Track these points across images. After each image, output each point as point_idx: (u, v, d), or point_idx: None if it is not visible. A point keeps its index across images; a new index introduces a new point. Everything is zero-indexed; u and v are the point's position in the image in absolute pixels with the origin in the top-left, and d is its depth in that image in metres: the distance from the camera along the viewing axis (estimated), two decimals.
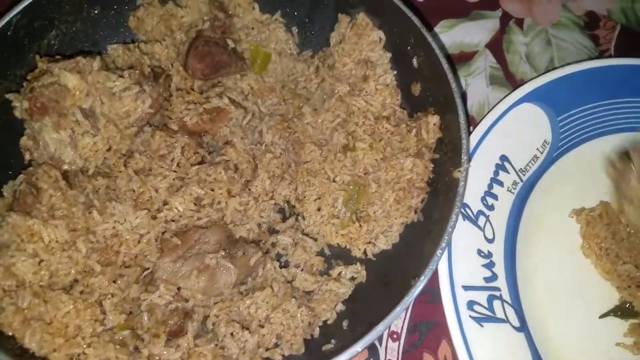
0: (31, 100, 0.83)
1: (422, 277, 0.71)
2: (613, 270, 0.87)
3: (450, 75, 0.82)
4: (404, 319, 0.89)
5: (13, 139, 0.85)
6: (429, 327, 0.88)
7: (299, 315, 0.79)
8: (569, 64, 1.03)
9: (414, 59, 0.91)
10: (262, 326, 0.79)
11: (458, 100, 0.81)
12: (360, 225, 0.89)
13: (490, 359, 0.79)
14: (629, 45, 1.15)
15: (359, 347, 0.69)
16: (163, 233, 0.82)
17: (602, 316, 0.86)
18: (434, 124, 0.88)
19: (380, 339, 0.88)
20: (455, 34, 1.12)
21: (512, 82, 1.08)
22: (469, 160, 0.79)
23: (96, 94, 0.86)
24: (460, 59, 1.11)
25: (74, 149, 0.86)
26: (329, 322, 0.83)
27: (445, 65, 0.84)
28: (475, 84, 1.08)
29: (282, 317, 0.79)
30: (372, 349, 0.87)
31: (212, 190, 0.86)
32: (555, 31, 1.15)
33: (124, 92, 0.87)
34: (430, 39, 0.86)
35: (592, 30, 1.17)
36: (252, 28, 1.01)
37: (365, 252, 0.89)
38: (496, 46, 1.12)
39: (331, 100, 0.96)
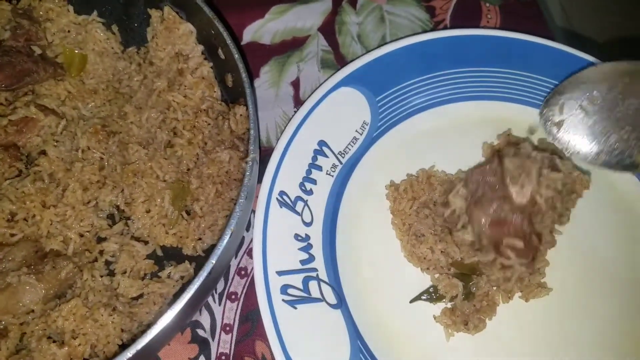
0: None
1: (203, 271, 0.73)
2: (412, 251, 0.91)
3: (240, 65, 0.84)
4: (235, 310, 0.91)
5: None
6: (258, 315, 0.89)
7: (109, 323, 0.80)
8: (394, 40, 1.05)
9: (220, 50, 0.92)
10: (74, 337, 0.79)
11: (248, 91, 0.82)
12: (188, 223, 0.90)
13: (304, 339, 0.81)
14: (466, 13, 1.17)
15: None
16: None
17: (412, 301, 0.89)
18: (241, 115, 0.89)
19: (213, 333, 0.89)
20: (288, 20, 1.13)
21: (343, 64, 1.09)
22: (255, 150, 0.81)
23: None
24: (293, 45, 1.11)
25: None
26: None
27: (236, 55, 0.85)
28: (308, 69, 1.09)
29: (92, 327, 0.79)
30: (202, 344, 0.88)
31: (25, 203, 0.85)
32: (390, 7, 1.17)
33: None
34: (221, 29, 0.87)
35: (428, 2, 1.18)
36: (69, 31, 1.00)
37: (195, 249, 0.90)
38: (328, 28, 1.13)
39: (152, 97, 0.97)
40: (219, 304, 0.90)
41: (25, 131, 0.89)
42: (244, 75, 0.83)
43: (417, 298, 0.90)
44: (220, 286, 0.92)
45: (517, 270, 0.83)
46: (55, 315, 0.78)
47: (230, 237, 0.75)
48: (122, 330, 0.80)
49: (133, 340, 0.70)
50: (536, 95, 1.04)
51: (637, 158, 0.85)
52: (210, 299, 0.91)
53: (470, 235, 0.85)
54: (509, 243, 0.81)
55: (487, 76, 1.04)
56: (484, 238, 0.83)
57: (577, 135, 0.88)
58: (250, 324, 0.90)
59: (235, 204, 0.77)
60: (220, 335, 0.89)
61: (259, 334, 0.89)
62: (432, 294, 0.89)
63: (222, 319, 0.90)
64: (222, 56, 0.92)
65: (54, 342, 0.77)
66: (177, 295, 0.77)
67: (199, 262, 0.89)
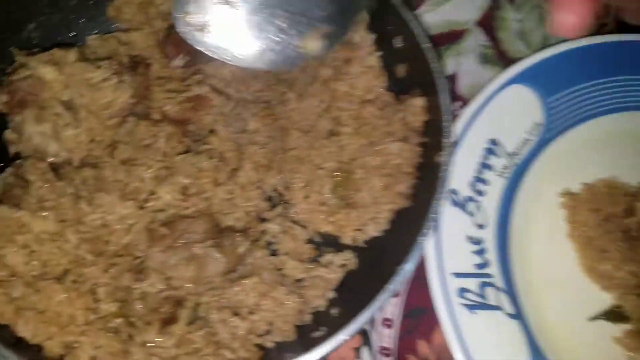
0: (9, 94, 0.83)
1: (404, 265, 0.69)
2: (592, 267, 0.84)
3: (429, 55, 0.79)
4: (399, 305, 0.87)
5: None
6: (421, 314, 0.86)
7: (288, 302, 0.78)
8: (564, 40, 0.99)
9: (396, 39, 0.88)
10: (252, 313, 0.78)
11: (439, 82, 0.78)
12: (348, 212, 0.87)
13: (484, 346, 0.77)
14: None
15: (344, 335, 0.68)
16: (151, 223, 0.81)
17: (592, 319, 0.83)
18: (419, 107, 0.85)
19: (372, 325, 0.86)
20: (444, 12, 1.08)
21: (505, 60, 1.04)
22: (455, 144, 0.76)
23: (75, 85, 0.84)
24: (450, 38, 1.07)
25: (57, 141, 0.85)
26: (319, 309, 0.82)
27: (426, 45, 0.81)
28: (467, 64, 1.04)
29: (271, 304, 0.78)
30: (364, 335, 0.85)
31: (198, 179, 0.84)
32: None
33: (103, 83, 0.85)
34: (409, 18, 0.83)
35: None
36: None
37: (354, 239, 0.87)
38: (487, 23, 1.08)
39: (315, 85, 0.94)
40: None
41: (199, 109, 0.87)
42: (434, 65, 0.79)
43: (599, 317, 0.83)
44: None
45: None
46: (236, 290, 0.77)
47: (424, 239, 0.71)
48: (300, 311, 0.78)
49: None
50: None
51: (304, 44, 0.77)
52: None
53: None
54: None
55: None
56: None
57: (229, 35, 0.78)
58: (412, 321, 0.86)
59: (432, 203, 0.72)
60: (380, 329, 0.86)
61: (421, 332, 0.86)
62: (615, 314, 0.82)
63: (383, 313, 0.87)
64: (399, 45, 0.88)
65: (236, 314, 0.77)
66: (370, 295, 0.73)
67: (358, 252, 0.86)
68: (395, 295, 0.87)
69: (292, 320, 0.77)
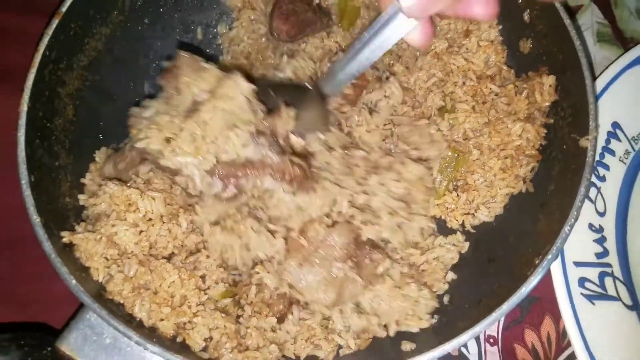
0: None
1: (549, 256, 0.66)
2: None
3: (572, 32, 0.75)
4: None
5: (103, 101, 0.83)
6: (530, 303, 0.84)
7: (421, 299, 0.76)
8: None
9: (525, 13, 0.83)
10: (377, 315, 0.76)
11: (583, 60, 0.73)
12: (458, 195, 0.84)
13: (602, 337, 0.75)
14: None
15: (481, 327, 0.66)
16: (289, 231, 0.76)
17: None
18: (550, 85, 0.80)
19: None
20: None
21: (622, 40, 0.99)
22: (597, 127, 0.72)
23: None
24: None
25: None
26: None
27: (567, 21, 0.76)
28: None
29: (404, 304, 0.75)
30: None
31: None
32: None
33: None
34: None
35: None
36: None
37: (463, 224, 0.84)
38: (603, 0, 1.03)
39: (426, 58, 0.90)
40: None
41: (361, 86, 0.85)
42: (577, 42, 0.74)
43: None
44: None
45: None
46: (370, 296, 0.75)
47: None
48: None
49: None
50: None
51: None
52: None
53: None
54: None
55: None
56: None
57: None
58: (519, 310, 0.84)
59: (579, 189, 0.69)
60: None
61: (528, 322, 0.83)
62: None
63: None
64: (527, 20, 0.83)
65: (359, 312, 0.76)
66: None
67: (467, 237, 0.83)
68: None
69: (420, 314, 0.75)
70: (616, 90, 0.87)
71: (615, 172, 0.85)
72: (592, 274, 0.78)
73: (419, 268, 0.81)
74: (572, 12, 1.02)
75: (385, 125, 0.86)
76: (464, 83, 0.87)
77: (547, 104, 0.81)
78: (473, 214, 0.84)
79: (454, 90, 0.87)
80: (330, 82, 0.70)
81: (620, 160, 0.86)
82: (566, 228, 0.67)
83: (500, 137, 0.83)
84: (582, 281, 0.77)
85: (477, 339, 0.83)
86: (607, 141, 0.86)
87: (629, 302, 0.78)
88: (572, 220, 0.67)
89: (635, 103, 0.88)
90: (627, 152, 0.86)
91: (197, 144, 0.67)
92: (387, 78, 0.87)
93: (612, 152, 0.85)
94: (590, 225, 0.81)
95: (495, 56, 0.88)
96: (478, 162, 0.83)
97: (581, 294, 0.76)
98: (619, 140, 0.86)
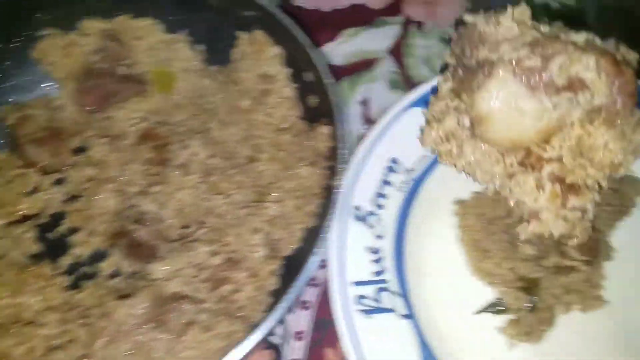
0: None
1: (293, 287, 0.79)
2: (478, 266, 0.95)
3: (331, 90, 0.90)
4: (309, 318, 0.97)
5: None
6: (327, 324, 0.95)
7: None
8: None
9: (306, 74, 0.99)
10: None
11: (336, 112, 0.89)
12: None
13: (377, 347, 0.87)
14: None
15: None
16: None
17: (477, 312, 0.94)
18: (325, 134, 0.95)
19: (286, 339, 0.95)
20: (358, 42, 1.19)
21: (411, 85, 1.15)
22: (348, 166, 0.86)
23: None
24: (363, 66, 1.18)
25: None
26: None
27: (328, 81, 0.91)
28: (378, 89, 1.15)
29: (219, 343, 0.83)
30: (276, 350, 0.94)
31: None
32: None
33: None
34: (316, 56, 0.94)
35: None
36: (157, 49, 1.08)
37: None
38: (397, 51, 1.19)
39: (235, 115, 1.04)
40: (292, 312, 0.97)
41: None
42: (333, 98, 0.90)
43: (483, 310, 0.94)
44: None
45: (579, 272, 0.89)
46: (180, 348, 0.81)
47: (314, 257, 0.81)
48: None
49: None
50: None
51: None
52: None
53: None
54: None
55: None
56: None
57: None
58: (320, 332, 0.96)
59: (325, 219, 0.83)
60: (291, 342, 0.95)
61: (328, 341, 0.95)
62: (497, 307, 0.94)
63: (295, 326, 0.97)
64: (310, 79, 0.98)
65: None
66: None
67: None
68: (306, 308, 0.97)
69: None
70: (395, 129, 1.02)
71: (394, 199, 0.99)
72: (370, 291, 0.91)
73: (236, 304, 0.89)
74: (371, 63, 1.18)
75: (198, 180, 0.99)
76: (265, 135, 1.02)
77: (325, 149, 0.96)
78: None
79: (258, 142, 1.02)
80: None
81: (397, 189, 1.00)
82: (310, 259, 0.80)
83: (295, 180, 0.97)
84: (359, 298, 0.90)
85: None
86: (386, 174, 1.00)
87: (403, 312, 0.91)
88: (316, 249, 0.81)
89: (412, 139, 1.02)
90: (404, 182, 1.01)
91: None
92: (191, 138, 1.01)
93: (390, 184, 1.00)
94: (369, 248, 0.94)
95: (291, 111, 1.03)
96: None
97: (358, 309, 0.89)
98: (397, 172, 1.01)
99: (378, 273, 0.93)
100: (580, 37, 0.75)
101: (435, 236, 0.99)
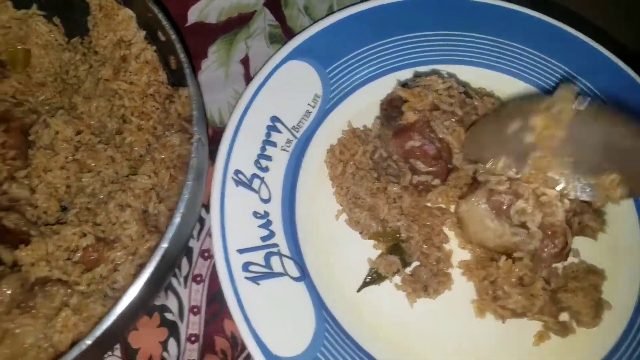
0: None
1: (153, 257, 0.73)
2: (351, 217, 0.91)
3: (178, 46, 0.83)
4: (202, 291, 0.92)
5: None
6: None
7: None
8: (341, 9, 1.04)
9: (159, 33, 0.91)
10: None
11: (186, 72, 0.82)
12: None
13: (268, 314, 0.82)
14: None
15: None
16: None
17: (359, 289, 0.90)
18: (186, 97, 0.88)
19: (181, 315, 0.90)
20: None
21: (291, 37, 1.08)
22: (208, 131, 0.80)
23: None
24: (240, 22, 1.10)
25: None
26: None
27: (173, 36, 0.85)
28: (256, 46, 1.08)
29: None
30: (172, 327, 0.89)
31: None
32: None
33: None
34: (155, 10, 0.88)
35: None
36: (10, 27, 0.98)
37: None
38: (274, 2, 1.12)
39: (100, 86, 0.96)
40: (185, 287, 0.91)
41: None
42: (182, 55, 0.83)
43: (364, 285, 0.90)
44: (185, 269, 0.92)
45: (430, 183, 0.88)
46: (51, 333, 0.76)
47: (180, 219, 0.75)
48: None
49: None
50: (491, 57, 1.05)
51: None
52: (175, 282, 0.91)
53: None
54: (414, 146, 0.85)
55: (439, 40, 1.04)
56: (395, 155, 0.88)
57: None
58: (218, 304, 0.91)
59: (183, 187, 0.77)
60: (188, 317, 0.90)
61: (227, 313, 0.89)
62: (374, 277, 0.90)
63: (190, 301, 0.91)
64: (163, 38, 0.91)
65: None
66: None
67: None
68: (199, 282, 0.92)
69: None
70: (272, 85, 0.96)
71: (279, 160, 0.93)
72: (258, 257, 0.86)
73: (115, 284, 0.82)
74: (248, 18, 1.10)
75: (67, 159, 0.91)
76: (130, 104, 0.93)
77: (188, 114, 0.89)
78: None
79: (124, 113, 0.94)
80: None
81: (282, 149, 0.94)
82: (169, 228, 0.74)
83: (167, 149, 0.89)
84: (246, 266, 0.85)
85: (178, 339, 0.89)
86: (268, 134, 0.94)
87: (296, 274, 0.87)
88: (178, 219, 0.75)
89: (290, 95, 0.97)
90: (288, 141, 0.95)
91: None
92: (53, 116, 0.92)
93: (274, 144, 0.94)
94: (255, 213, 0.89)
95: (154, 75, 0.95)
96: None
97: (245, 277, 0.84)
98: (280, 131, 0.95)
99: (266, 238, 0.88)
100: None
101: (326, 195, 0.94)
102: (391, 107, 0.87)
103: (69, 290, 0.79)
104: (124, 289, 0.78)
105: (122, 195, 0.85)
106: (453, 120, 0.84)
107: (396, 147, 0.85)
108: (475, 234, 0.87)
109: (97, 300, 0.78)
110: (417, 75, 0.99)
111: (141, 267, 0.82)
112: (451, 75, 0.98)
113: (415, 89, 0.86)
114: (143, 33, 0.94)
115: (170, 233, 0.74)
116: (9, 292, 0.77)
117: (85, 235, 0.82)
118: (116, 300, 0.72)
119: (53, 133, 0.90)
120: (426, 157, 0.84)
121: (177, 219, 0.75)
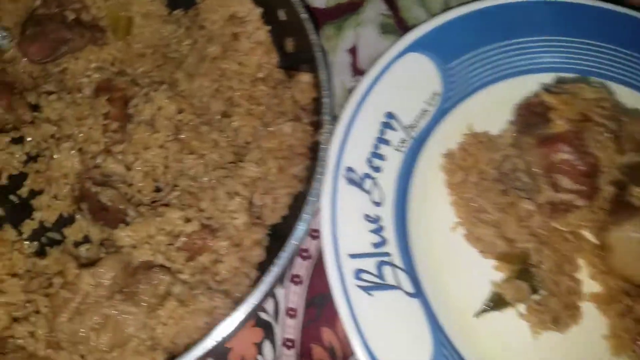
0: None
1: (280, 258, 0.66)
2: (472, 232, 0.83)
3: (309, 27, 0.75)
4: (302, 293, 0.84)
5: None
6: (325, 300, 0.83)
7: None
8: (463, 4, 0.96)
9: (280, 12, 0.84)
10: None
11: (317, 55, 0.74)
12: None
13: (381, 328, 0.74)
14: None
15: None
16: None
17: (477, 315, 0.81)
18: (307, 83, 0.81)
19: (277, 316, 0.83)
20: None
21: (405, 29, 1.00)
22: (333, 121, 0.72)
23: None
24: (349, 8, 1.02)
25: None
26: None
27: (303, 16, 0.77)
28: (366, 35, 1.00)
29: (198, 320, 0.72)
30: (267, 328, 0.82)
31: None
32: None
33: None
34: None
35: None
36: None
37: None
38: None
39: (204, 64, 0.88)
40: (282, 287, 0.84)
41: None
42: (313, 37, 0.75)
43: (484, 310, 0.81)
44: None
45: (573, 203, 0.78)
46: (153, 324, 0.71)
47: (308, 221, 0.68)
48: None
49: None
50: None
51: None
52: None
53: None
54: (562, 159, 0.76)
55: (566, 47, 0.95)
56: (535, 166, 0.78)
57: None
58: (314, 310, 0.83)
59: (312, 180, 0.69)
60: (284, 319, 0.83)
61: (324, 320, 0.83)
62: (497, 302, 0.81)
63: (287, 302, 0.83)
64: (284, 17, 0.83)
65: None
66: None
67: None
68: (297, 283, 0.84)
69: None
70: (389, 79, 0.88)
71: (392, 161, 0.85)
72: (369, 264, 0.78)
73: (217, 276, 0.76)
74: (357, 5, 1.03)
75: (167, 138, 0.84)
76: (239, 87, 0.87)
77: (307, 101, 0.82)
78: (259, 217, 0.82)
79: (231, 95, 0.87)
80: None
81: (396, 149, 0.86)
82: (299, 225, 0.67)
83: (276, 138, 0.82)
84: (358, 273, 0.77)
85: (274, 343, 0.81)
86: (382, 132, 0.86)
87: (410, 289, 0.79)
88: (305, 216, 0.67)
89: (407, 91, 0.89)
90: (403, 141, 0.87)
91: None
92: (156, 90, 0.85)
93: (387, 142, 0.86)
94: (367, 216, 0.81)
95: (266, 58, 0.88)
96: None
97: (357, 286, 0.76)
98: (394, 129, 0.87)
99: (378, 245, 0.80)
100: None
101: (442, 203, 0.86)
102: (530, 113, 0.79)
103: (173, 279, 0.73)
104: (233, 284, 0.72)
105: (231, 182, 0.78)
106: (606, 135, 0.75)
107: (539, 158, 0.76)
108: (625, 265, 0.78)
109: (204, 293, 0.72)
110: (560, 80, 0.89)
111: (243, 260, 0.76)
112: (602, 86, 0.88)
113: (562, 95, 0.77)
114: (259, 10, 0.87)
115: (295, 242, 0.67)
116: (112, 274, 0.71)
117: (189, 220, 0.75)
118: (237, 301, 0.65)
119: (155, 108, 0.83)
120: (574, 174, 0.75)
121: (307, 215, 0.67)
